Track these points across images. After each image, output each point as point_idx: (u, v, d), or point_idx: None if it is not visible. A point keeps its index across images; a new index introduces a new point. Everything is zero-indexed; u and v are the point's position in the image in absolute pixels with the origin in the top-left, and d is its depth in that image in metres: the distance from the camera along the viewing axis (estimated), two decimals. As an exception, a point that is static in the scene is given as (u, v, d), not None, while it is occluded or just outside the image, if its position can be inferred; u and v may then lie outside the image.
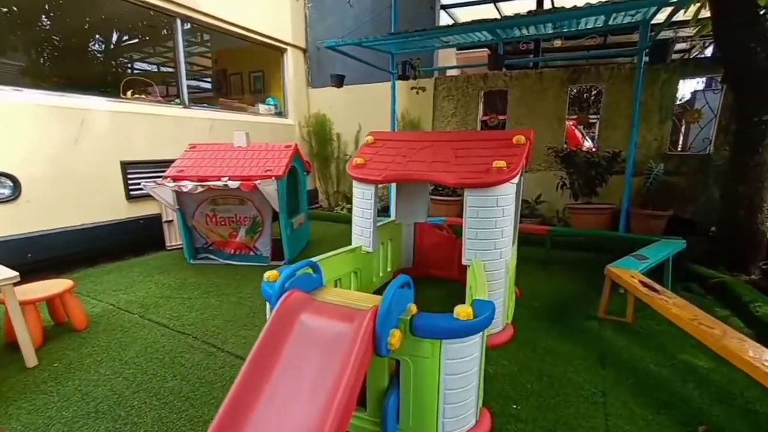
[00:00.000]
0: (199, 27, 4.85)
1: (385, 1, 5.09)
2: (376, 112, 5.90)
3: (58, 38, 4.52)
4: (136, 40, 5.69)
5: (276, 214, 3.65)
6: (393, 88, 5.22)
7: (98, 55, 5.57)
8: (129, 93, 4.42)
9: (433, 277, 3.34)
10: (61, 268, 3.59)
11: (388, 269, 3.24)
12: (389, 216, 3.42)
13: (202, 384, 1.86)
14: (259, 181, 3.28)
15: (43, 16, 4.54)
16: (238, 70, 7.23)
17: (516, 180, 2.05)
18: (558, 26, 3.79)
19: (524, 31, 4.06)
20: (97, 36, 5.71)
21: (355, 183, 2.43)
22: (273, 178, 3.49)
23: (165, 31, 4.88)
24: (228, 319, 2.58)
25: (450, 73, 6.39)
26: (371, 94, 5.99)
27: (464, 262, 2.06)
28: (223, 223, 3.85)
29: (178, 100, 4.70)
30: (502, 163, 1.98)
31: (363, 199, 2.37)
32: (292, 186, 4.08)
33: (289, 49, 6.15)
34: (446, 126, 5.64)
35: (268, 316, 1.39)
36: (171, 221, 4.33)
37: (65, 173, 3.52)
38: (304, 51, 6.52)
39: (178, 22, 4.47)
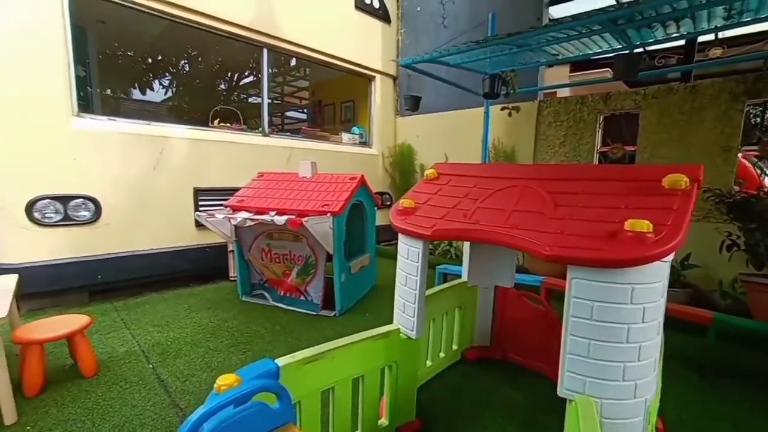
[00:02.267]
0: (283, 54, 4.83)
1: (484, 16, 4.43)
2: (466, 141, 5.17)
3: (155, 73, 4.95)
4: (231, 74, 6.08)
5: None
6: (486, 112, 4.45)
7: (195, 87, 6.10)
8: (216, 122, 4.54)
9: (515, 364, 2.39)
10: (127, 290, 3.62)
11: (454, 347, 2.41)
12: (459, 271, 2.60)
13: None
14: (306, 219, 2.82)
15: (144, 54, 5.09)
16: (331, 101, 7.31)
17: (671, 256, 1.12)
18: (734, 13, 2.58)
19: (671, 30, 2.94)
20: (193, 69, 6.30)
21: (399, 236, 1.74)
22: (328, 214, 3.01)
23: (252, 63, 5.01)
24: (235, 392, 2.06)
25: (560, 93, 5.34)
26: (462, 120, 5.30)
27: (561, 393, 1.18)
28: (277, 260, 3.49)
29: (259, 129, 4.68)
30: (643, 225, 1.08)
31: (407, 259, 1.66)
32: (355, 223, 3.57)
33: (378, 76, 5.89)
34: (551, 159, 4.58)
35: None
36: (234, 251, 4.19)
37: (141, 199, 3.59)
38: (394, 78, 6.20)
39: (265, 51, 4.49)
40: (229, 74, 6.51)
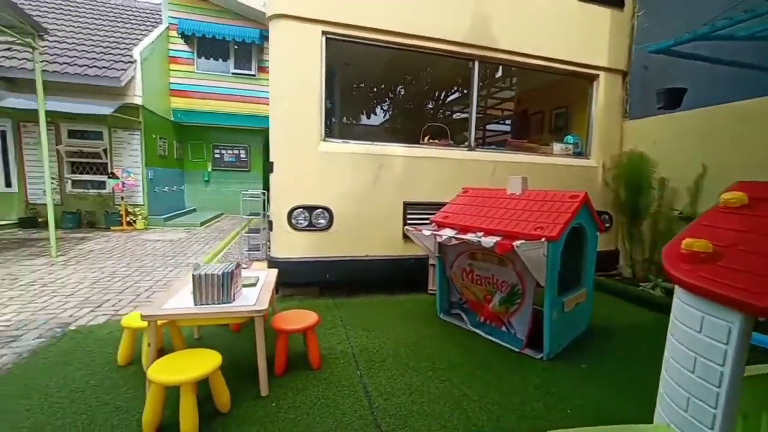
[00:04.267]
0: (497, 65, 4.61)
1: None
2: (741, 146, 3.68)
3: (377, 99, 5.54)
4: (439, 92, 6.26)
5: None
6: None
7: (407, 108, 6.56)
8: (426, 139, 4.74)
9: None
10: (345, 290, 4.15)
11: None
12: None
13: None
14: (518, 243, 2.48)
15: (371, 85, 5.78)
16: (539, 109, 6.66)
17: None
18: None
19: None
20: (406, 91, 6.78)
21: (682, 294, 1.21)
22: (543, 239, 2.60)
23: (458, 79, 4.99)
24: (433, 428, 1.94)
25: None
26: (732, 117, 3.81)
27: None
28: (479, 282, 3.28)
29: (465, 143, 4.62)
30: None
31: (701, 334, 1.11)
32: (572, 250, 2.99)
33: (602, 74, 4.93)
34: None
35: None
36: (434, 265, 4.23)
37: (361, 210, 4.06)
38: (624, 74, 5.07)
39: (476, 65, 4.40)
40: (437, 93, 6.82)
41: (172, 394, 1.89)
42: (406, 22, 3.99)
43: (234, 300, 2.16)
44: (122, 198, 8.46)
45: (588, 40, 4.81)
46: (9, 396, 2.10)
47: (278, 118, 3.86)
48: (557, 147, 5.13)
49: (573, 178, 4.84)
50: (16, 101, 6.86)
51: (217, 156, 12.07)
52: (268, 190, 4.43)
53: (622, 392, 2.34)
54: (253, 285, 2.48)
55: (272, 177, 3.90)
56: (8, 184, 7.98)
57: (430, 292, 4.24)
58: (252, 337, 2.15)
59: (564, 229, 2.69)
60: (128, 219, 8.48)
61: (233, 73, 11.09)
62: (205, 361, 1.89)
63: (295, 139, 3.82)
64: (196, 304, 2.08)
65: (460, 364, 2.63)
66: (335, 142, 3.99)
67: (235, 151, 12.19)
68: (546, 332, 2.74)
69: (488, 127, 8.70)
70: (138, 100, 8.48)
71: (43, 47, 7.59)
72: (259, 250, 5.69)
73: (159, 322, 2.11)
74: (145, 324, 2.36)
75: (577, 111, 5.60)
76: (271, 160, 3.91)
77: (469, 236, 2.85)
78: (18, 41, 5.35)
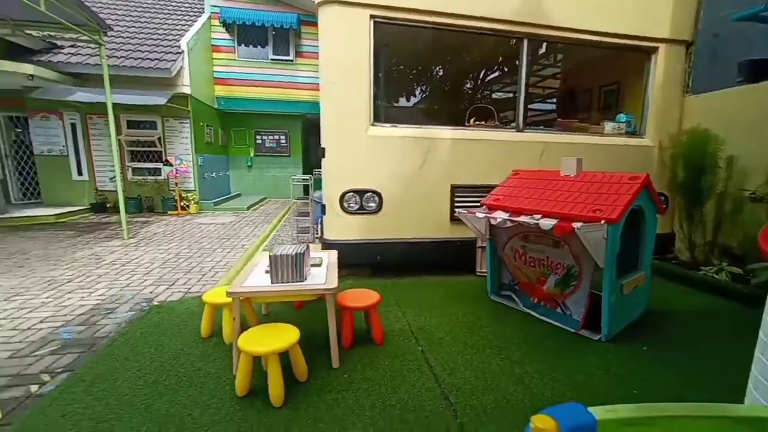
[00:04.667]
0: (547, 43, 4.45)
1: None
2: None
3: (433, 84, 5.51)
4: (493, 74, 6.12)
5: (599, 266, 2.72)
6: None
7: (460, 92, 6.46)
8: (472, 120, 4.71)
9: None
10: (395, 272, 4.30)
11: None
12: None
13: None
14: (579, 225, 2.49)
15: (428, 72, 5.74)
16: (587, 86, 6.36)
17: None
18: None
19: None
20: (449, 72, 6.66)
21: None
22: (602, 221, 2.58)
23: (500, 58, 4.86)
24: (500, 402, 2.04)
25: None
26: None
27: None
28: (532, 264, 3.30)
29: (513, 124, 4.55)
30: None
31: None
32: (631, 232, 2.94)
33: (662, 46, 4.62)
34: None
35: None
36: (484, 247, 4.27)
37: (410, 193, 4.14)
38: (688, 45, 4.73)
39: (525, 43, 4.27)
40: (480, 73, 6.69)
41: (258, 362, 2.11)
42: (453, 1, 3.93)
43: (306, 278, 2.34)
44: (176, 184, 9.02)
45: (647, 10, 4.51)
46: (122, 359, 2.42)
47: (329, 104, 3.96)
48: (609, 126, 4.92)
49: (626, 158, 4.65)
50: (84, 95, 7.42)
51: (258, 142, 12.48)
52: (308, 174, 4.56)
53: (690, 376, 2.33)
54: (319, 265, 2.66)
55: (324, 162, 4.05)
56: (80, 172, 8.72)
57: (479, 274, 4.30)
58: (313, 315, 2.34)
59: (624, 212, 2.65)
60: (182, 204, 9.04)
61: (272, 60, 11.31)
62: (287, 335, 2.09)
63: (345, 124, 3.93)
64: (272, 282, 2.27)
65: (516, 343, 2.70)
66: (384, 127, 4.06)
67: (276, 137, 12.55)
68: (604, 314, 2.75)
69: (530, 106, 8.42)
70: (186, 90, 8.90)
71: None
72: (308, 233, 5.95)
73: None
74: (222, 300, 2.63)
75: (630, 87, 5.31)
76: (322, 145, 4.04)
77: (526, 219, 2.87)
78: (85, 38, 5.75)
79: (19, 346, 2.66)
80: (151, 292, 3.76)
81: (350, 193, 3.99)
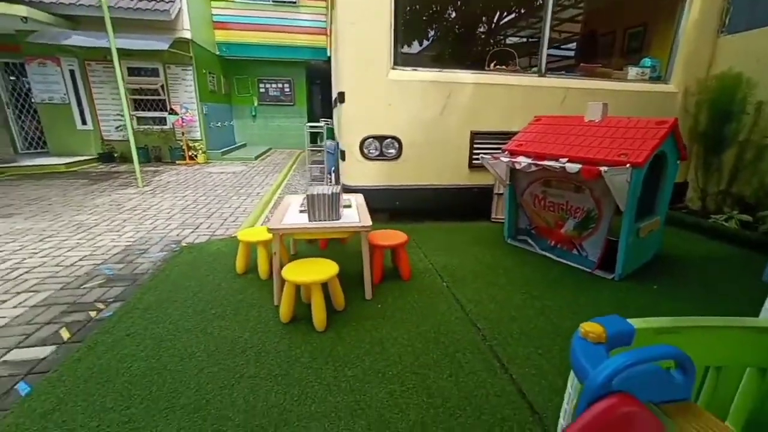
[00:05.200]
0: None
1: None
2: None
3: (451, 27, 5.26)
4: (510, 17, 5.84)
5: (620, 210, 2.80)
6: None
7: (478, 35, 6.19)
8: (492, 65, 4.57)
9: None
10: (413, 217, 4.40)
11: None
12: None
13: (463, 405, 1.61)
14: (606, 168, 2.53)
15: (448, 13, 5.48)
16: (609, 29, 6.08)
17: None
18: None
19: None
20: (481, 18, 6.35)
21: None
22: (627, 165, 2.62)
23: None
24: (525, 329, 2.21)
25: None
26: None
27: None
28: (551, 208, 3.39)
29: (534, 69, 4.42)
30: None
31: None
32: (652, 178, 3.00)
33: (701, -20, 4.36)
34: None
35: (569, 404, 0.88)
36: (501, 194, 4.34)
37: (430, 140, 4.13)
38: (729, -22, 4.46)
39: (553, -22, 4.04)
40: (502, 14, 6.40)
41: (297, 294, 2.26)
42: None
43: (341, 217, 2.43)
44: (182, 133, 8.91)
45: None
46: (166, 291, 2.58)
47: (347, 47, 3.83)
48: (632, 71, 4.77)
49: (648, 105, 4.56)
50: (81, 39, 7.12)
51: (262, 90, 12.14)
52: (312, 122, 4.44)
53: (700, 309, 2.49)
54: (350, 206, 2.74)
55: (343, 107, 3.99)
56: (84, 121, 8.58)
57: (493, 220, 4.41)
58: (337, 255, 2.45)
59: (649, 156, 2.69)
60: (190, 153, 9.00)
61: (273, 1, 10.68)
62: (327, 268, 2.21)
63: (365, 68, 3.82)
64: (310, 221, 2.37)
65: (535, 281, 2.86)
66: (405, 70, 3.95)
67: (279, 85, 12.18)
68: (620, 255, 2.88)
69: (549, 51, 8.08)
70: (187, 34, 8.51)
71: (95, -20, 7.61)
72: (322, 181, 5.99)
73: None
74: (256, 238, 2.74)
75: (657, 29, 5.09)
76: (341, 90, 3.97)
77: (551, 162, 2.90)
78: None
79: (66, 279, 2.82)
80: (177, 235, 3.88)
81: (370, 139, 3.98)
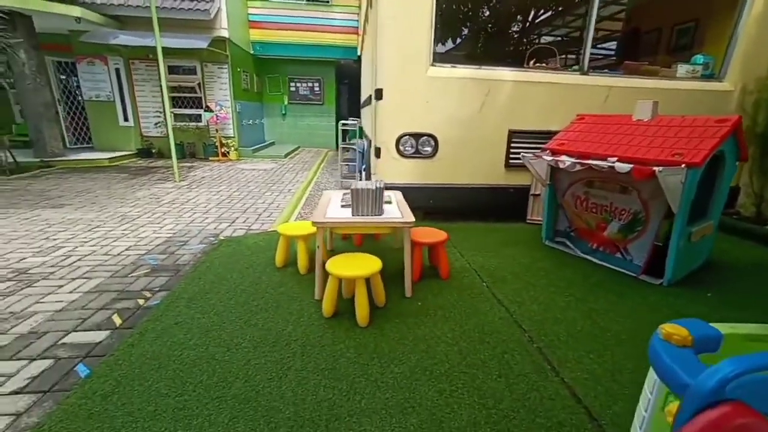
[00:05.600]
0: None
1: None
2: None
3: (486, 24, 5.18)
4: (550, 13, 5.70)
5: (670, 213, 2.66)
6: None
7: (513, 33, 6.07)
8: (532, 62, 4.45)
9: None
10: (446, 216, 4.34)
11: None
12: None
13: (516, 407, 1.56)
14: (660, 168, 2.41)
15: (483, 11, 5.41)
16: (656, 25, 5.81)
17: None
18: None
19: None
20: (517, 16, 6.24)
21: None
22: (683, 165, 2.48)
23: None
24: (572, 331, 2.13)
25: None
26: None
27: None
28: (593, 210, 3.26)
29: (576, 67, 4.28)
30: None
31: None
32: (707, 180, 2.83)
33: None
34: None
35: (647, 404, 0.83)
36: (538, 195, 4.23)
37: (466, 138, 4.06)
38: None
39: (600, -27, 3.89)
40: (542, 11, 6.26)
41: (339, 288, 2.26)
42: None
43: (383, 213, 2.42)
44: (216, 130, 9.17)
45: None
46: (209, 282, 2.65)
47: (386, 43, 3.81)
48: (682, 69, 4.54)
49: (699, 104, 4.32)
50: (127, 38, 7.43)
51: (292, 89, 12.33)
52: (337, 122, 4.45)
53: (762, 320, 2.33)
54: (390, 203, 2.72)
55: (380, 104, 3.99)
56: (125, 118, 8.97)
57: (529, 221, 4.30)
58: (372, 251, 2.42)
59: (708, 156, 2.54)
60: (223, 150, 9.25)
61: (307, 1, 10.83)
62: (371, 263, 2.20)
63: (404, 63, 3.80)
64: (353, 215, 2.37)
65: (577, 283, 2.76)
66: (444, 67, 3.90)
67: (309, 84, 12.34)
68: (670, 259, 2.74)
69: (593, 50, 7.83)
70: (224, 33, 8.74)
71: (140, -18, 7.93)
72: (354, 178, 6.02)
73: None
74: (296, 233, 2.77)
75: (711, 25, 4.82)
76: (378, 86, 3.96)
77: (598, 162, 2.79)
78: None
79: (115, 268, 2.94)
80: (215, 228, 3.98)
81: (406, 137, 3.96)
